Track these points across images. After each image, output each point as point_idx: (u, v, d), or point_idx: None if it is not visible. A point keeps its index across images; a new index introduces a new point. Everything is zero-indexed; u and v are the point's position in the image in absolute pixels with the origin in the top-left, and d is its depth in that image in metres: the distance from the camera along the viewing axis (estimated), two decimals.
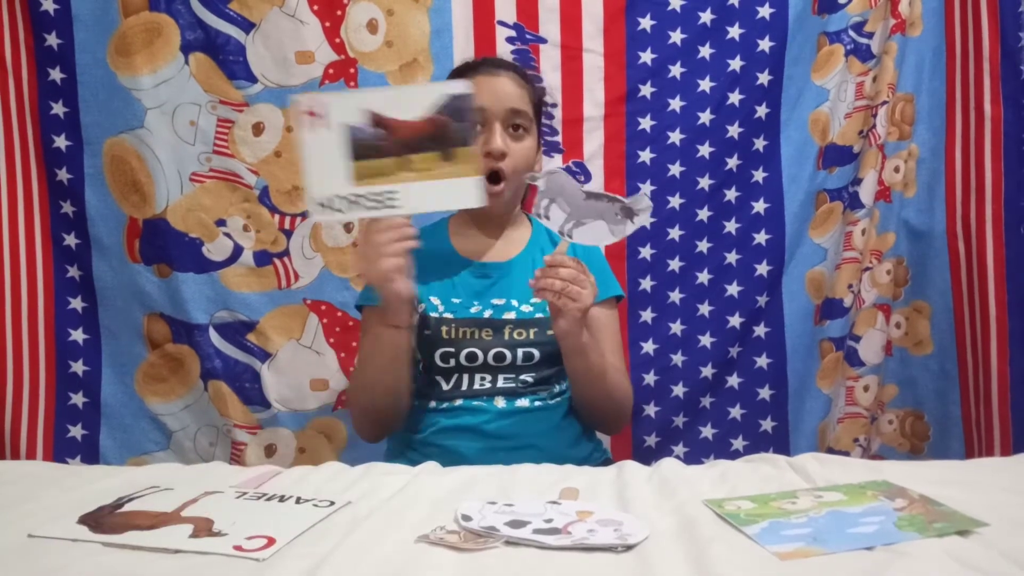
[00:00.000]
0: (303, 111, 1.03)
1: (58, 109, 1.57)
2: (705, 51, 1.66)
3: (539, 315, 1.25)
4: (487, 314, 1.24)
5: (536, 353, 1.23)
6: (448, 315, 1.23)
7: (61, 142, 1.57)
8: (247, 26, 1.56)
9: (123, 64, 1.54)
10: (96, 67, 1.54)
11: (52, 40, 1.54)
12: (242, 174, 1.59)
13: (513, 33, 1.64)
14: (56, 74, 1.55)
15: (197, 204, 1.59)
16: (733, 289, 1.72)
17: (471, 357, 1.21)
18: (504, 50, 1.63)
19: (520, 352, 1.23)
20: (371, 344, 1.18)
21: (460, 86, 1.04)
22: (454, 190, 1.05)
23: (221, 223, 1.60)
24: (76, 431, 1.63)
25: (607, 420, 1.31)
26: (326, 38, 1.58)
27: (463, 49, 1.62)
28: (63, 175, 1.58)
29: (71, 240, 1.61)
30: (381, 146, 1.03)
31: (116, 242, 1.60)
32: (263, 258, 1.61)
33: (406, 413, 1.24)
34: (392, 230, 1.06)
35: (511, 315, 1.25)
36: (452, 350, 1.22)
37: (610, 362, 1.25)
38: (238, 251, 1.61)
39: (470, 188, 1.05)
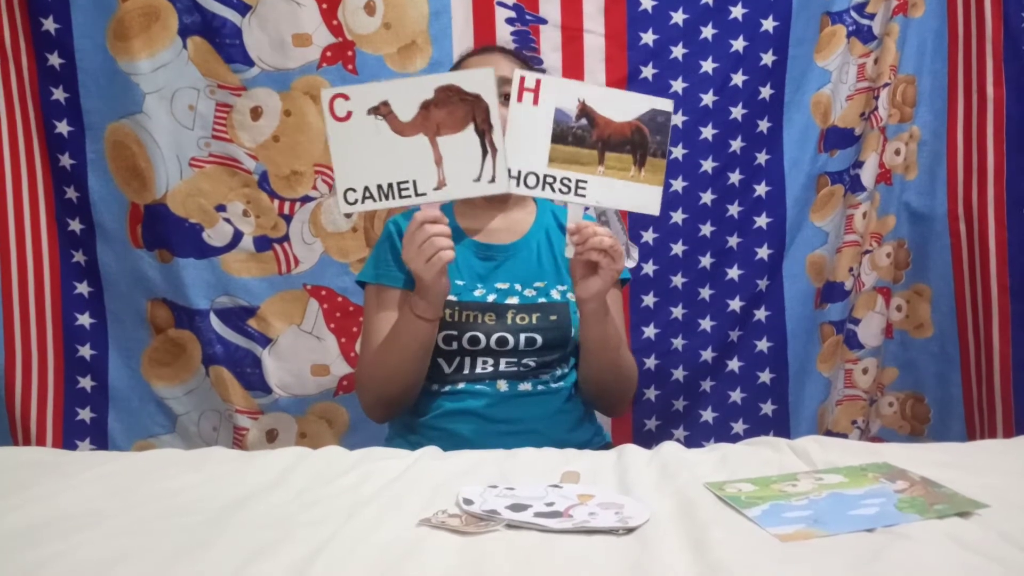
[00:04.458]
0: (519, 86, 1.05)
1: (58, 94, 1.56)
2: (707, 31, 1.65)
3: (542, 300, 1.24)
4: (491, 298, 1.24)
5: (539, 338, 1.23)
6: (452, 297, 1.23)
7: (63, 127, 1.56)
8: (243, 8, 1.54)
9: (122, 49, 1.53)
10: (96, 52, 1.54)
11: (49, 24, 1.53)
12: (241, 159, 1.58)
13: (513, 14, 1.62)
14: (55, 59, 1.54)
15: (197, 189, 1.59)
16: (734, 273, 1.71)
17: (473, 341, 1.21)
18: (504, 31, 1.61)
19: (523, 337, 1.22)
20: (399, 333, 1.18)
21: (665, 103, 1.09)
22: (637, 193, 1.11)
23: (221, 208, 1.60)
24: (85, 414, 1.64)
25: (614, 397, 1.29)
26: (323, 20, 1.57)
27: (462, 31, 1.60)
28: (66, 160, 1.58)
29: (76, 225, 1.61)
30: (583, 136, 1.08)
31: (119, 228, 1.60)
32: (263, 243, 1.61)
33: (416, 398, 1.25)
34: (442, 225, 1.07)
35: (514, 299, 1.24)
36: (455, 333, 1.21)
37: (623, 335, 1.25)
38: (238, 236, 1.61)
39: (651, 196, 1.11)
